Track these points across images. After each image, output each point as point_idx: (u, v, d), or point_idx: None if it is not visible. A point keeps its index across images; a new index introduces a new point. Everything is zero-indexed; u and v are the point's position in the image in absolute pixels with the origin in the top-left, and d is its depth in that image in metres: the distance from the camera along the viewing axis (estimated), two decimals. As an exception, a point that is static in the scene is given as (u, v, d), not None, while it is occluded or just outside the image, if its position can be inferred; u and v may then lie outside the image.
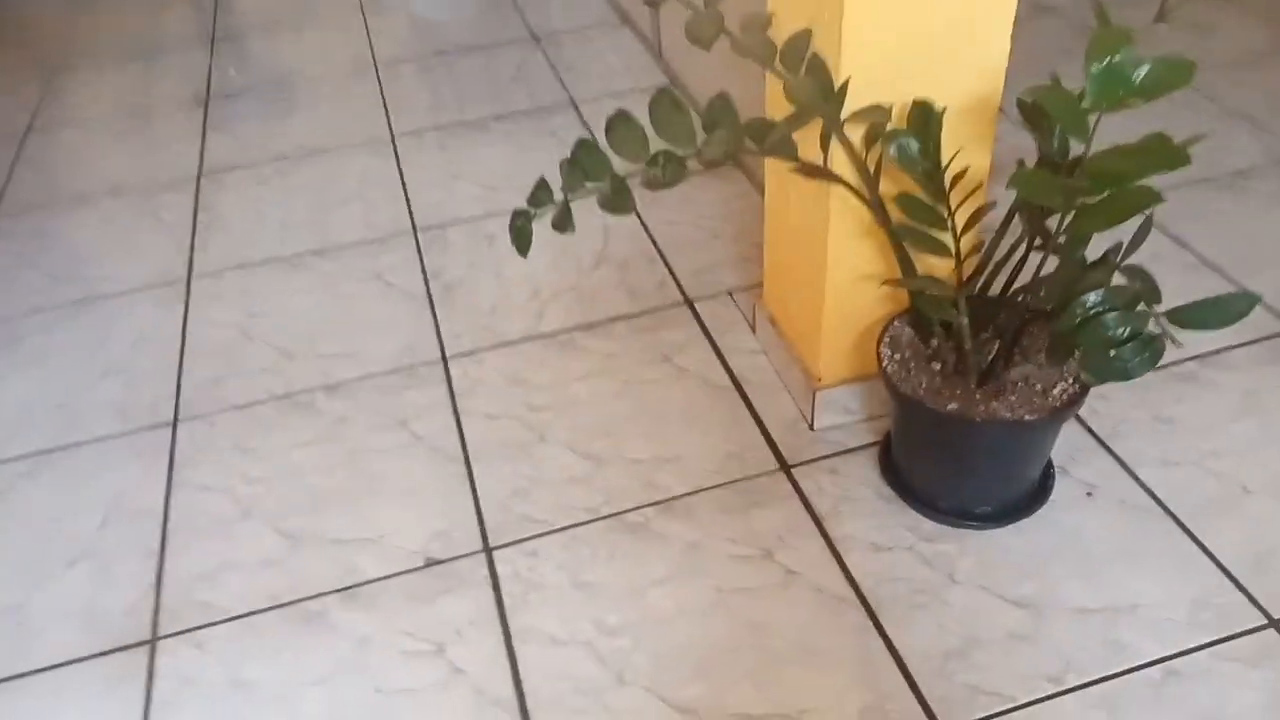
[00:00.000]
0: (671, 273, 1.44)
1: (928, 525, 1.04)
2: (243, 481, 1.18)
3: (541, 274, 1.46)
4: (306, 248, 1.57)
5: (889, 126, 0.89)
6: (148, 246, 1.61)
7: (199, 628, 1.03)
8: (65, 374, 1.36)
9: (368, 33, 2.26)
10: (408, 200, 1.66)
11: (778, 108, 1.01)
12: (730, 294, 1.39)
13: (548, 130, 1.83)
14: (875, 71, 0.90)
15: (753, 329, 1.31)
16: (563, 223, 0.80)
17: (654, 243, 1.50)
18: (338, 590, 1.05)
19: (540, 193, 0.82)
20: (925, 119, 0.88)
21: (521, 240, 0.82)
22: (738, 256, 1.45)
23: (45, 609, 1.06)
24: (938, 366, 1.00)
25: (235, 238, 1.61)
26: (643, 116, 0.82)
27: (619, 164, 0.81)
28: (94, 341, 1.42)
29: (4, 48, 2.39)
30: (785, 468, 1.12)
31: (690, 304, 1.38)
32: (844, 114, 0.87)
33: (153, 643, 1.02)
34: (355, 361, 1.34)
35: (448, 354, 1.34)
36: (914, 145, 0.88)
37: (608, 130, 0.82)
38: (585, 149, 0.82)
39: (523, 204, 0.83)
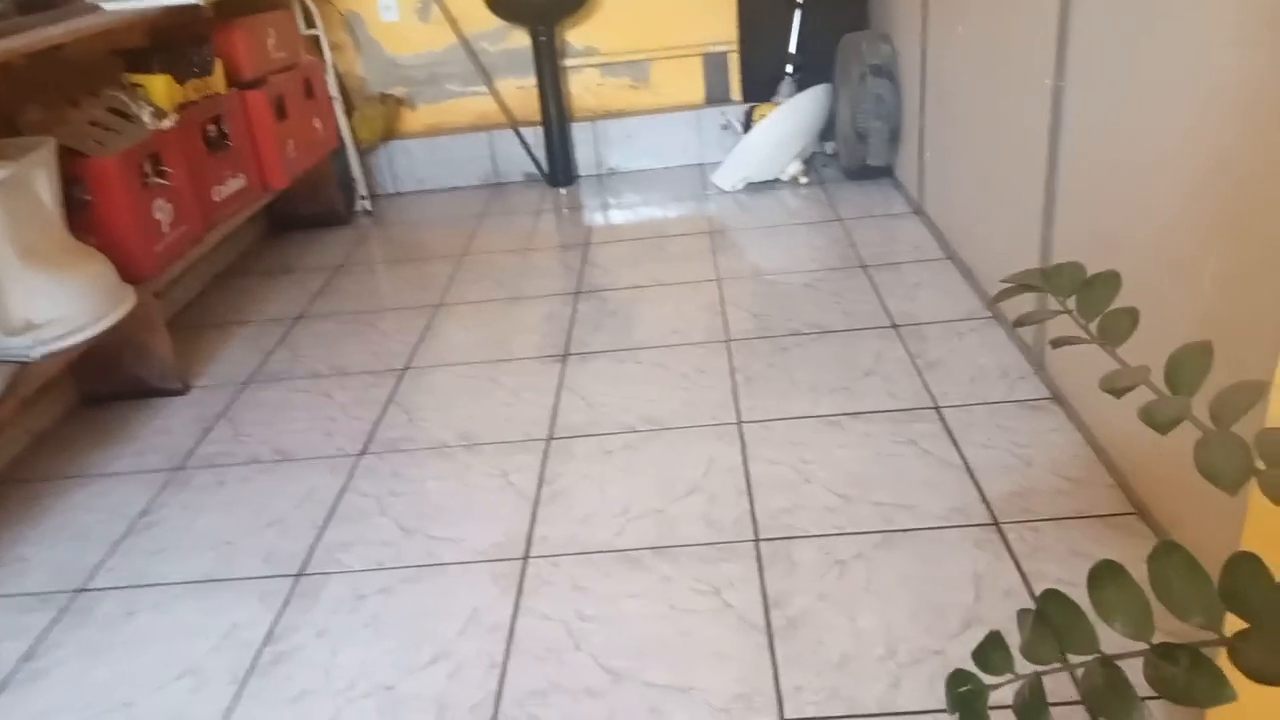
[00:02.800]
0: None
1: None
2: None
3: (903, 623, 1.27)
4: (644, 542, 1.49)
5: None
6: (492, 511, 1.60)
7: None
8: (394, 653, 1.33)
9: (722, 302, 2.27)
10: (751, 500, 1.55)
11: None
12: None
13: (908, 436, 1.68)
14: None
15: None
16: (1034, 713, 0.62)
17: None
18: None
19: (994, 654, 0.65)
20: None
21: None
22: None
23: None
24: None
25: (576, 517, 1.56)
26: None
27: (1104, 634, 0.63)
28: (426, 616, 1.39)
29: (407, 284, 2.64)
30: None
31: None
32: None
33: None
34: (685, 700, 1.20)
35: (786, 714, 1.16)
36: None
37: (1092, 582, 0.65)
38: (1056, 605, 0.64)
39: (962, 661, 0.66)
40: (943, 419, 1.72)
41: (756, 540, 1.46)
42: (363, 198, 3.21)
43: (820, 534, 1.46)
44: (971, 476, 1.56)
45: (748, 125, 3.08)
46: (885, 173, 2.93)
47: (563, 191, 3.28)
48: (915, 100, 2.60)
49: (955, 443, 1.65)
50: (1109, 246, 1.49)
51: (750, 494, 1.57)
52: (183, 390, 2.12)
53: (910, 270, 2.35)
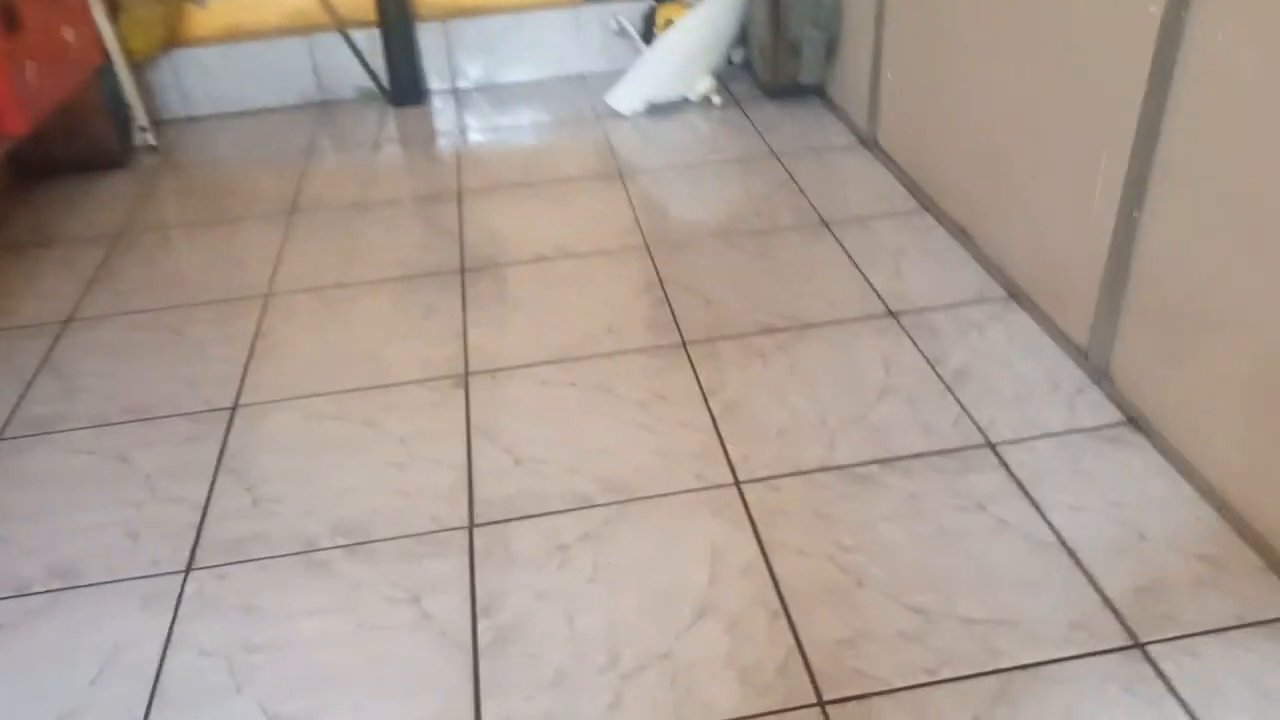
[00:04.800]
0: None
1: None
2: None
3: None
4: (657, 723, 1.00)
5: None
6: (408, 675, 1.07)
7: None
8: None
9: (661, 282, 1.75)
10: (793, 628, 1.09)
11: None
12: None
13: (969, 496, 1.24)
14: None
15: None
16: None
17: None
18: None
19: None
20: None
21: None
22: None
23: None
24: None
25: (543, 678, 1.05)
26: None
27: None
28: None
29: (219, 261, 1.97)
30: None
31: None
32: None
33: None
34: None
35: None
36: None
37: None
38: None
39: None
40: (1004, 463, 1.30)
41: (821, 705, 1.00)
42: (143, 129, 2.42)
43: (907, 684, 1.02)
44: (1078, 564, 1.15)
45: (648, 30, 2.49)
46: (814, 91, 2.44)
47: (410, 112, 2.61)
48: (868, 4, 2.09)
49: (1036, 505, 1.23)
50: (1251, 233, 1.06)
51: (788, 614, 1.10)
52: (-109, 460, 1.42)
53: (884, 229, 1.89)
